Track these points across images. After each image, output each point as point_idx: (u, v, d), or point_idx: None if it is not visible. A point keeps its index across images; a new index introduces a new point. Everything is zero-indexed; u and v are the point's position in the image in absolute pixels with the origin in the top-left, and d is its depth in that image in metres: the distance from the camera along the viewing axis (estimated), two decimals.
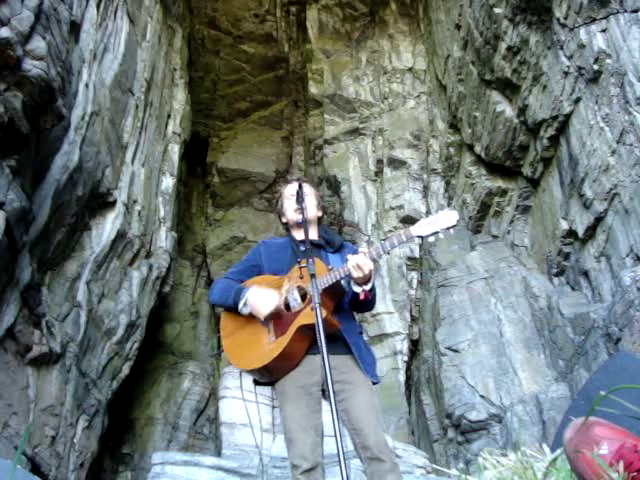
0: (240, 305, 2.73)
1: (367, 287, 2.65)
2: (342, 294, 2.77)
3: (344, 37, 13.05)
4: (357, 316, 2.98)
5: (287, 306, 2.69)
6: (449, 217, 2.59)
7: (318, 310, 2.40)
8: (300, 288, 2.68)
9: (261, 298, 2.69)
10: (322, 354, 2.29)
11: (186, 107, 11.56)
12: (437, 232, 2.58)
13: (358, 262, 2.57)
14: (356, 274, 2.58)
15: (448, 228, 2.58)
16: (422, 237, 2.61)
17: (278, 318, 2.69)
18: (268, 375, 2.73)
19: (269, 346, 2.65)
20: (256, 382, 2.84)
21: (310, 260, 2.55)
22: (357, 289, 2.65)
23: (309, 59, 13.20)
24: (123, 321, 8.21)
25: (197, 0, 13.73)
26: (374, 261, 2.62)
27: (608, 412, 1.50)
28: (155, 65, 9.98)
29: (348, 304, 2.82)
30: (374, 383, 2.78)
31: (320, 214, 3.08)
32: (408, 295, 10.30)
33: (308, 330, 2.53)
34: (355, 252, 2.77)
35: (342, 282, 2.71)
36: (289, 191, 3.06)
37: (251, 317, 2.75)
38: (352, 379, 2.68)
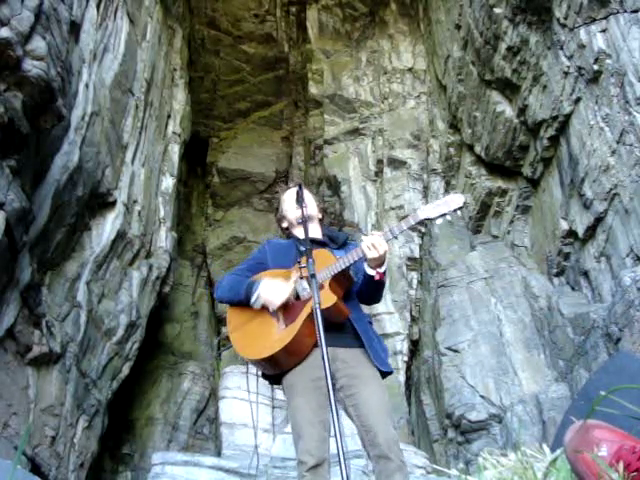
0: (252, 299, 2.73)
1: (381, 269, 2.64)
2: (351, 283, 2.78)
3: (344, 37, 13.05)
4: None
5: (296, 296, 2.70)
6: (455, 199, 2.58)
7: (318, 311, 2.39)
8: (308, 278, 2.68)
9: (273, 290, 2.70)
10: (322, 353, 2.28)
11: (186, 107, 11.57)
12: (445, 214, 2.56)
13: (373, 241, 2.56)
14: (371, 254, 2.57)
15: (455, 210, 2.56)
16: (430, 219, 2.60)
17: (288, 308, 2.69)
18: (276, 366, 2.71)
19: (279, 335, 2.64)
20: (265, 377, 2.82)
21: (310, 260, 2.54)
22: (371, 272, 2.64)
23: (309, 59, 13.20)
24: (123, 321, 8.21)
25: (197, 0, 13.73)
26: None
27: (608, 412, 1.50)
28: (155, 65, 9.98)
29: (358, 295, 2.82)
30: (388, 373, 2.74)
31: (320, 216, 3.11)
32: (408, 295, 10.30)
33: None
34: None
35: (350, 272, 2.72)
36: (289, 195, 3.08)
37: (259, 309, 2.75)
38: (362, 374, 2.64)
